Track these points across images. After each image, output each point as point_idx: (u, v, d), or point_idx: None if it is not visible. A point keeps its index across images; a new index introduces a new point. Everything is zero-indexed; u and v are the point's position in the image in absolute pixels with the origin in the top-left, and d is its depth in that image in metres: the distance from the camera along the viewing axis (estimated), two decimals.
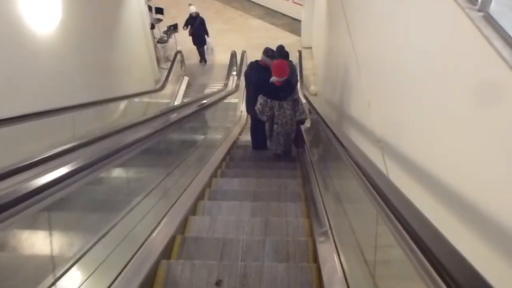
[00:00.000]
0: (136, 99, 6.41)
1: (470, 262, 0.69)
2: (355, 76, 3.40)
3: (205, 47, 9.12)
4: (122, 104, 5.73)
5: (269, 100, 3.86)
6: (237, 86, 6.90)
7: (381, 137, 2.44)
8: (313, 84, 8.40)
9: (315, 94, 7.80)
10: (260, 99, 3.89)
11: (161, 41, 9.01)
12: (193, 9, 8.44)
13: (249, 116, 5.09)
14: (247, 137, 5.81)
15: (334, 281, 1.77)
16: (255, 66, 4.32)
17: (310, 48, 9.56)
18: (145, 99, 7.02)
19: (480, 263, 0.70)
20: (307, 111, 4.22)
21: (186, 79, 8.70)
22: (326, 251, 1.99)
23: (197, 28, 8.51)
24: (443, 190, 1.53)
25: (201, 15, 8.87)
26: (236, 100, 7.30)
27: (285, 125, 3.96)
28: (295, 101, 3.93)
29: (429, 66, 1.79)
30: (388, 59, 2.50)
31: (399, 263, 0.95)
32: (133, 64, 7.03)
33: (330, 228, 2.10)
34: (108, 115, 5.15)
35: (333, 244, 1.99)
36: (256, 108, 3.95)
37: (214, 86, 7.92)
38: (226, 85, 7.31)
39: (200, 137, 4.24)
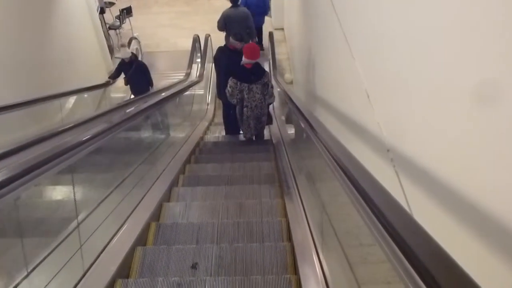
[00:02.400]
0: (85, 95, 6.58)
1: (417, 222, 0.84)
2: (345, 59, 2.85)
3: None
4: (70, 102, 5.91)
5: (239, 83, 4.45)
6: (200, 76, 6.90)
7: (391, 145, 1.92)
8: (288, 71, 8.70)
9: (291, 83, 8.10)
10: (230, 81, 4.48)
11: (112, 27, 9.19)
12: (126, 52, 6.68)
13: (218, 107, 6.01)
14: (215, 135, 6.13)
15: (307, 257, 2.17)
16: (224, 49, 5.03)
17: (282, 29, 9.99)
18: (98, 94, 7.20)
19: None
20: (275, 94, 4.95)
21: None
22: (299, 229, 2.39)
23: (133, 76, 6.50)
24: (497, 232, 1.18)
25: None
26: (201, 92, 7.55)
27: (255, 109, 4.61)
28: (265, 85, 4.55)
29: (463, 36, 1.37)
30: (398, 35, 1.94)
31: (367, 237, 1.07)
32: (78, 55, 7.02)
33: (303, 206, 2.50)
34: (48, 116, 5.14)
35: (306, 222, 2.40)
36: (226, 90, 4.54)
37: (176, 76, 8.15)
38: (188, 74, 7.20)
39: (152, 138, 4.25)
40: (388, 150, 1.92)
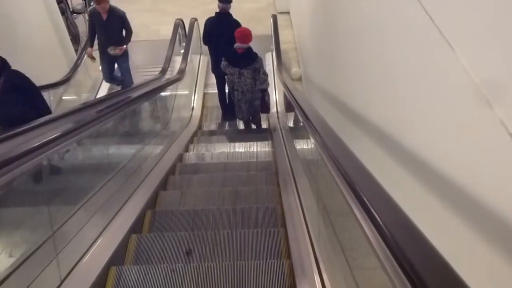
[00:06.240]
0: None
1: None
2: (428, 51, 2.18)
3: None
4: None
5: (230, 66, 5.93)
6: (181, 71, 7.06)
7: None
8: (295, 64, 9.30)
9: (299, 79, 8.77)
10: (223, 61, 6.24)
11: (77, 11, 10.06)
12: None
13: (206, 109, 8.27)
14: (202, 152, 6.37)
15: (300, 241, 3.00)
16: (214, 18, 7.09)
17: (287, 13, 10.98)
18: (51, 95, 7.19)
19: None
20: (268, 80, 6.29)
21: None
22: (293, 216, 3.30)
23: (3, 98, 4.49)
24: None
25: None
26: (185, 92, 8.07)
27: (247, 93, 6.23)
28: (256, 70, 5.95)
29: None
30: None
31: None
32: (22, 50, 7.01)
33: (298, 194, 3.39)
34: None
35: (300, 210, 3.25)
36: (221, 65, 6.30)
37: (155, 72, 8.49)
38: (164, 71, 7.22)
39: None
40: None
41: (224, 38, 6.70)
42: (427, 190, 2.12)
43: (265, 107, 6.74)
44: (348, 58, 3.91)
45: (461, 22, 1.84)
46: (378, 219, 1.17)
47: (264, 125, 7.47)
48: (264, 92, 6.58)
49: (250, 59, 6.09)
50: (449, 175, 1.89)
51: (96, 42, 7.66)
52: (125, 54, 7.75)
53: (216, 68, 7.16)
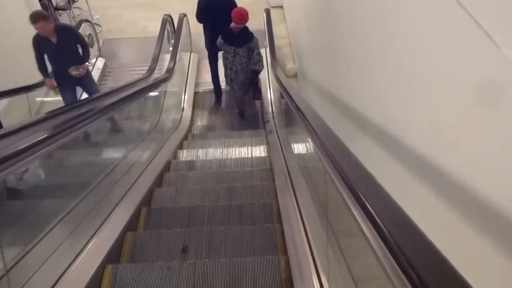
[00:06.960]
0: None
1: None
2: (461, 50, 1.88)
3: None
4: None
5: (226, 44, 6.33)
6: (169, 70, 6.88)
7: None
8: (290, 61, 9.41)
9: (294, 75, 8.91)
10: (220, 39, 6.76)
11: (59, 7, 10.09)
12: None
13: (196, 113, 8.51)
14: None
15: (296, 238, 3.17)
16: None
17: (281, 7, 11.18)
18: (37, 98, 7.56)
19: None
20: (264, 62, 6.75)
21: (101, 61, 9.70)
22: (289, 212, 3.51)
23: None
24: None
25: None
26: (175, 89, 8.06)
27: (241, 73, 6.85)
28: (250, 49, 6.42)
29: None
30: None
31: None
32: (1, 48, 7.14)
33: (293, 190, 3.58)
34: None
35: (296, 206, 3.44)
36: (217, 41, 6.82)
37: (142, 70, 8.34)
38: (151, 70, 7.09)
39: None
40: None
41: (218, 14, 7.20)
42: (429, 189, 2.16)
43: (257, 93, 7.31)
44: (352, 54, 3.75)
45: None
46: (374, 214, 1.21)
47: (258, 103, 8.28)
48: (257, 76, 7.17)
49: (247, 38, 6.63)
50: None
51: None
52: (88, 74, 6.79)
53: (210, 45, 7.63)
